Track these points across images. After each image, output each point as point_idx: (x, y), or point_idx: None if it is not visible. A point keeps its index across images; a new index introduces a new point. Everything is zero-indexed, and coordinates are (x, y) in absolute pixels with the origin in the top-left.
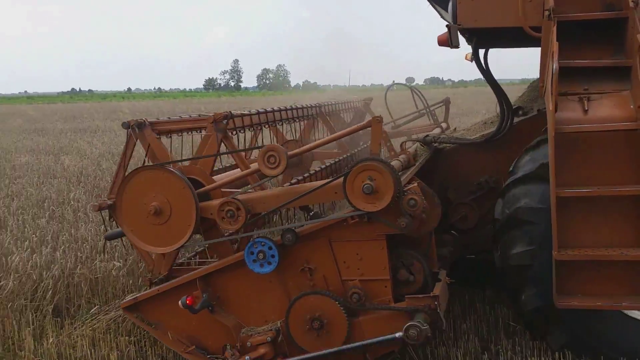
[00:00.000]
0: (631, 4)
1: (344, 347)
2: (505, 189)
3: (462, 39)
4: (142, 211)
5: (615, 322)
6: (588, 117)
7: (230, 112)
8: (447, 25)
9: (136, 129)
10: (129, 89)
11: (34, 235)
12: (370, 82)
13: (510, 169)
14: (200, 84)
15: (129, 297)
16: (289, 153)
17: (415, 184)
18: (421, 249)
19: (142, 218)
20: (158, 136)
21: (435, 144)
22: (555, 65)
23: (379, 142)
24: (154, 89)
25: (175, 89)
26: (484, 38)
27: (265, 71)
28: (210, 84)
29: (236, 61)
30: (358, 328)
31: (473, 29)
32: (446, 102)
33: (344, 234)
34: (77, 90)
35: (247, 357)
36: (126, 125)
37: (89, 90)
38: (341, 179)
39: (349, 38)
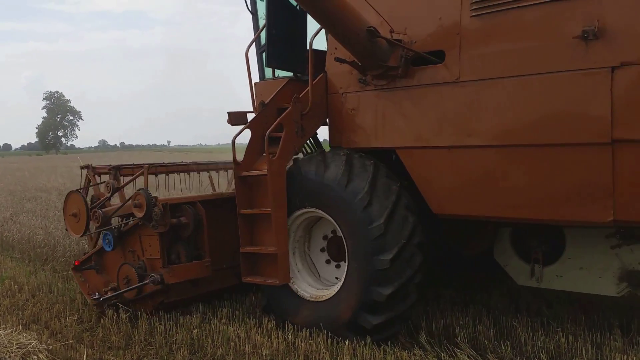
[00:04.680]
0: (293, 99)
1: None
2: None
3: None
4: (69, 214)
5: (286, 294)
6: (265, 168)
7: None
8: (227, 112)
9: (86, 169)
10: None
11: None
12: None
13: None
14: None
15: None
16: (117, 187)
17: (160, 204)
18: (191, 244)
19: (70, 218)
20: (96, 175)
21: None
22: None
23: (147, 179)
24: None
25: None
26: None
27: None
28: None
29: None
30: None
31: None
32: None
33: (144, 232)
34: None
35: (95, 295)
36: (82, 167)
37: None
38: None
39: None
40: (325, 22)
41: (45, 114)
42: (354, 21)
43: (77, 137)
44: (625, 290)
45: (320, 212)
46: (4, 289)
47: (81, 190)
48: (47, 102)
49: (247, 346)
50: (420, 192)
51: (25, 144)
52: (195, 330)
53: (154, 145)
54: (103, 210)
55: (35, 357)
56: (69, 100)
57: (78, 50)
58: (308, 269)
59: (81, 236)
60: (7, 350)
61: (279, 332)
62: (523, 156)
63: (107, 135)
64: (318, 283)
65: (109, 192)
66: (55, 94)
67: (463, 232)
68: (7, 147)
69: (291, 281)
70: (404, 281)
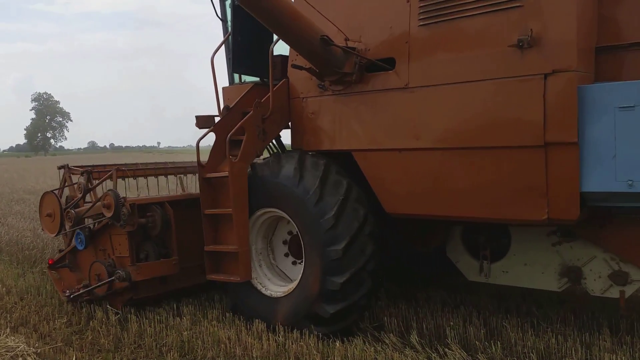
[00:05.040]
0: (255, 103)
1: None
2: None
3: None
4: (45, 215)
5: (250, 291)
6: (227, 170)
7: (67, 164)
8: (195, 116)
9: (63, 169)
10: None
11: None
12: None
13: None
14: None
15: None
16: (91, 187)
17: (127, 204)
18: (158, 242)
19: (45, 218)
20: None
21: None
22: (217, 138)
23: (116, 181)
24: None
25: None
26: None
27: None
28: None
29: None
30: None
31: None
32: None
33: (113, 231)
34: None
35: (67, 291)
36: (60, 167)
37: None
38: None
39: None
40: (280, 32)
41: (33, 115)
42: (307, 30)
43: (66, 138)
44: (565, 285)
45: (270, 210)
46: None
47: (56, 192)
48: (36, 103)
49: (237, 348)
50: (374, 193)
51: (14, 146)
52: (186, 333)
53: (144, 146)
54: (76, 210)
55: None
56: (58, 102)
57: (67, 51)
58: (278, 276)
59: (55, 236)
60: None
61: (270, 334)
62: (466, 158)
63: (96, 137)
64: (289, 282)
65: (80, 193)
66: (44, 95)
67: (417, 230)
68: None
69: (264, 289)
70: (354, 233)
